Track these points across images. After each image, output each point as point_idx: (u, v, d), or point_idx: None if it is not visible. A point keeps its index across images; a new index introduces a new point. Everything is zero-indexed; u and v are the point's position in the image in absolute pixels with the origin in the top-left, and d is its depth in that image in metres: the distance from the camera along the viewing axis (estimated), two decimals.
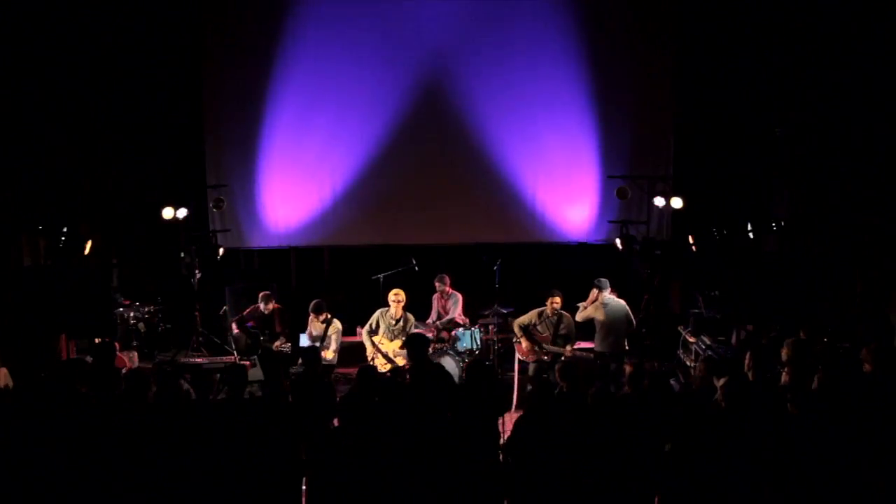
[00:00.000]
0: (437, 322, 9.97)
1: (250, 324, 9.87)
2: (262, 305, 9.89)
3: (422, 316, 10.27)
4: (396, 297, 9.19)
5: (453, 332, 9.74)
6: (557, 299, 8.87)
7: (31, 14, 9.72)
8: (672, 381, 7.97)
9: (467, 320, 9.96)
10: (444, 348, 9.41)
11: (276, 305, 9.97)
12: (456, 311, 9.98)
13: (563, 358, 8.52)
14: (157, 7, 11.13)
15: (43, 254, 9.90)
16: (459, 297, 10.08)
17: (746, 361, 6.44)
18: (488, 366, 7.77)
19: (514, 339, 9.14)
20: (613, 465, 4.92)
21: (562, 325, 8.92)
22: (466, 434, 5.34)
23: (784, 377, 6.20)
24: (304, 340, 9.73)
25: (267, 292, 9.97)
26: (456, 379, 9.04)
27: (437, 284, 10.06)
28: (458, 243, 11.77)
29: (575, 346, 8.97)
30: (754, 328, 9.21)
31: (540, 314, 8.99)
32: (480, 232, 11.73)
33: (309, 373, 6.65)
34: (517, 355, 9.15)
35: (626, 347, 8.97)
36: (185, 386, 6.19)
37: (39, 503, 4.78)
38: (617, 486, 4.90)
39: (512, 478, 5.06)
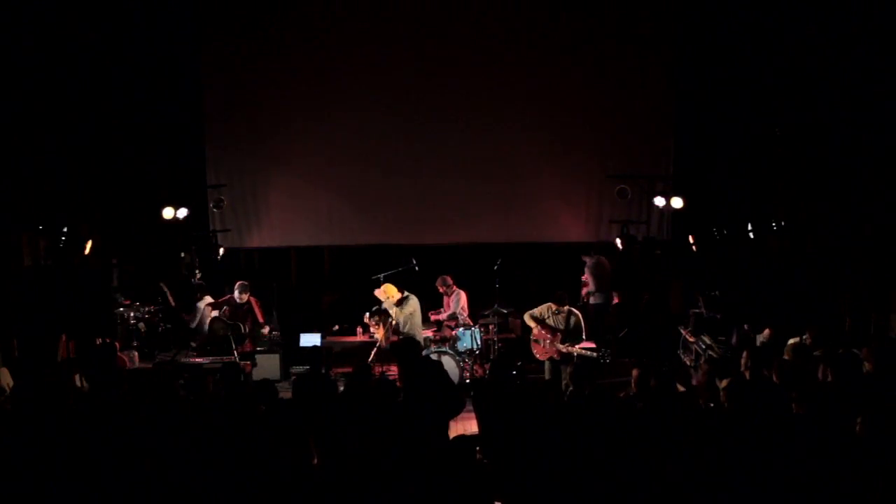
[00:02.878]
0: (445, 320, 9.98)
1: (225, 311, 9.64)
2: (237, 295, 9.68)
3: (422, 316, 10.29)
4: (384, 293, 9.41)
5: (453, 332, 9.74)
6: (559, 306, 8.86)
7: (31, 14, 9.71)
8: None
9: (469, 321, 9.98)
10: (444, 348, 9.41)
11: (252, 298, 9.74)
12: (458, 307, 9.99)
13: (574, 359, 8.53)
14: (157, 7, 11.13)
15: (43, 254, 9.89)
16: (462, 294, 10.10)
17: (743, 360, 6.45)
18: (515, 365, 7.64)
19: (532, 339, 9.05)
20: (614, 465, 4.93)
21: (571, 322, 8.91)
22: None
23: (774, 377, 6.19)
24: (305, 340, 9.74)
25: (244, 282, 9.76)
26: (456, 379, 9.07)
27: (440, 288, 10.05)
28: (458, 243, 11.77)
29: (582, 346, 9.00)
30: (750, 328, 9.22)
31: (549, 309, 8.96)
32: (480, 232, 11.74)
33: (313, 372, 6.65)
34: (535, 354, 9.11)
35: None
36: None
37: (39, 503, 4.77)
38: (616, 487, 4.90)
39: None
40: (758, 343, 8.51)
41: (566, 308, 8.84)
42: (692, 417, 5.12)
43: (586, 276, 11.23)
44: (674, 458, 4.87)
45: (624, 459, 4.92)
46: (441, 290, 10.13)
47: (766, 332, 8.53)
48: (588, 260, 11.19)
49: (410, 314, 9.41)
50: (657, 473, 4.82)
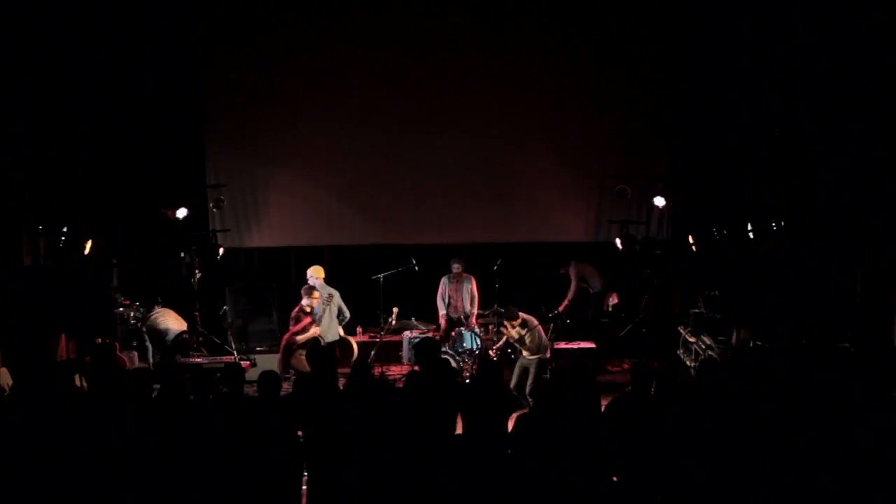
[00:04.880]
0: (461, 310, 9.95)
1: None
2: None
3: (422, 316, 10.29)
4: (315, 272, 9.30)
5: (453, 332, 9.75)
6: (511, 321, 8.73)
7: (31, 14, 9.72)
8: None
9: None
10: (444, 348, 9.41)
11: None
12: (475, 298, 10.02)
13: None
14: (157, 7, 11.14)
15: (43, 254, 9.89)
16: (472, 278, 10.14)
17: (743, 363, 6.45)
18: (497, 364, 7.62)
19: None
20: (613, 464, 4.94)
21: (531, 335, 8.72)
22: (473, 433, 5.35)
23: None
24: None
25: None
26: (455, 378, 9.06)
27: (455, 267, 10.03)
28: (458, 243, 11.77)
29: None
30: (746, 333, 9.20)
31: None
32: (480, 232, 11.74)
33: (316, 373, 6.64)
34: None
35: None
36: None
37: (39, 503, 4.78)
38: (615, 486, 4.91)
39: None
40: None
41: (519, 320, 8.65)
42: (689, 418, 5.12)
43: (574, 283, 11.06)
44: (669, 458, 4.87)
45: (619, 459, 4.93)
46: (454, 271, 10.07)
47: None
48: (568, 268, 11.16)
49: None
50: (652, 473, 4.83)
